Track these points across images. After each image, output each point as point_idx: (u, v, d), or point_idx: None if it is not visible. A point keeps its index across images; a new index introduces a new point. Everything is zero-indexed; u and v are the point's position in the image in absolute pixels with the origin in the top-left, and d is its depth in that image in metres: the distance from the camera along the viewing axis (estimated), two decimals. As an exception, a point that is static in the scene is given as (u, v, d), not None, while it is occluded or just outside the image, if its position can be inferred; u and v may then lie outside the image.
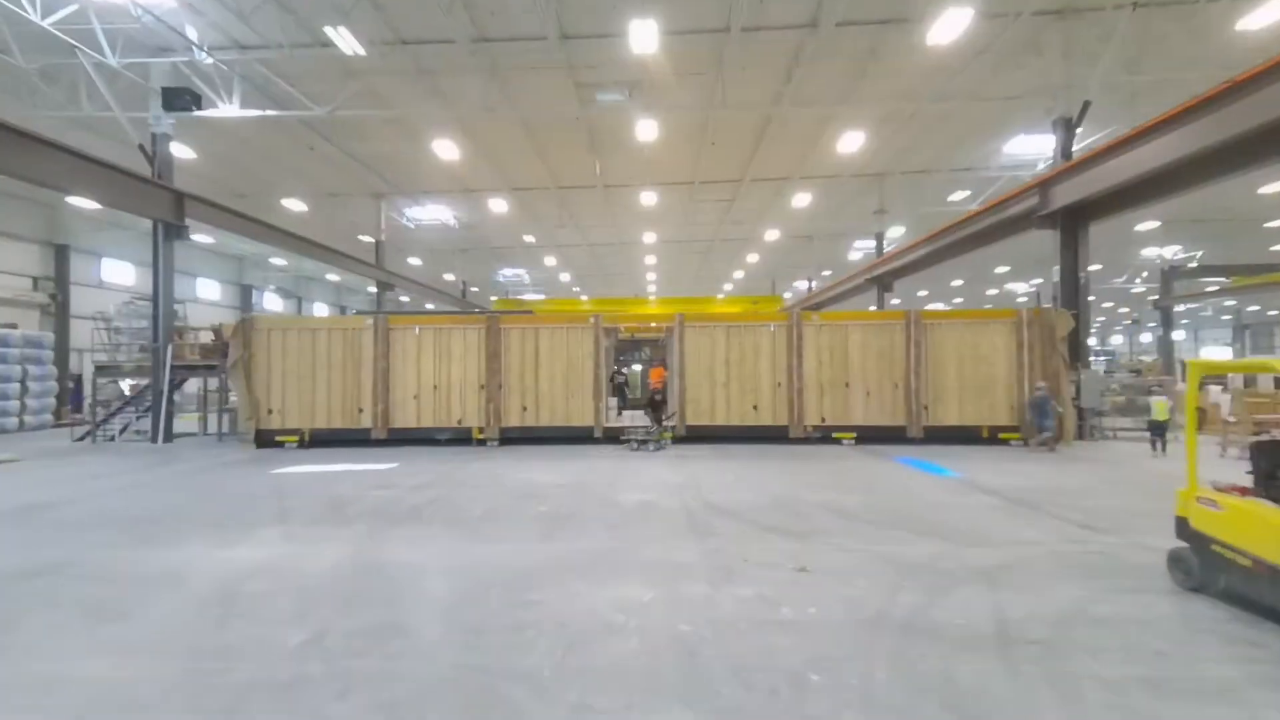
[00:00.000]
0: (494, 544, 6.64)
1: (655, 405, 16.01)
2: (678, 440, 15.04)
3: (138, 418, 17.00)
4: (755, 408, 15.10)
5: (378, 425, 14.96)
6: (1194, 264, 37.79)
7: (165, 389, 15.90)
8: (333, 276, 43.09)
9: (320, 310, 45.75)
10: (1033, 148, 23.71)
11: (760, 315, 14.80)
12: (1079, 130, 16.27)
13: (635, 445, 14.13)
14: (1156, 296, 36.19)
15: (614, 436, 14.97)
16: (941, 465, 11.56)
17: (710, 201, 29.08)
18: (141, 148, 16.05)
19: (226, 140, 20.91)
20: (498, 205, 28.09)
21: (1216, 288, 37.07)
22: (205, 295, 36.33)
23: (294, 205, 27.06)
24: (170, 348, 16.03)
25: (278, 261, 38.64)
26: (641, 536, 6.80)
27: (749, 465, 11.74)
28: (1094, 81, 15.30)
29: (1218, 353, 67.78)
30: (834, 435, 14.84)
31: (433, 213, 30.52)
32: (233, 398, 17.27)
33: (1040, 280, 47.45)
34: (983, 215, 18.66)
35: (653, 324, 16.30)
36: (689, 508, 8.14)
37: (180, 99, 15.65)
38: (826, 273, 41.71)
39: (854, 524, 7.32)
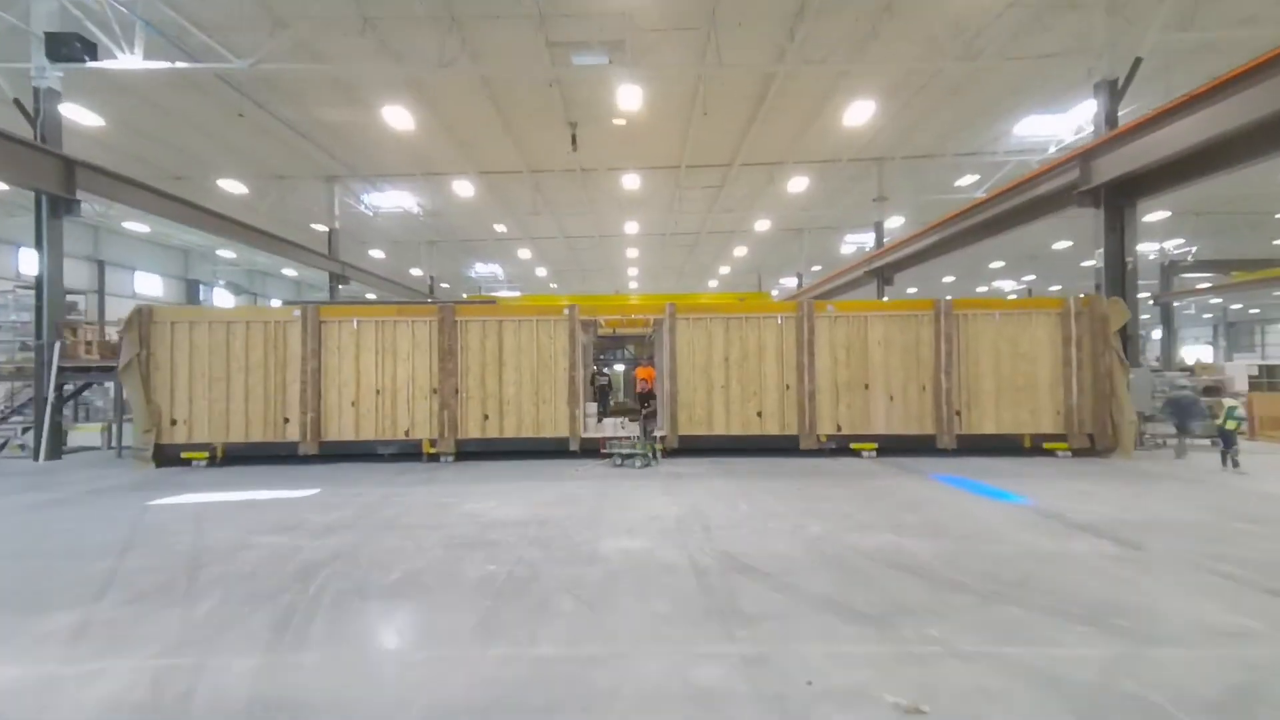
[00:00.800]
0: (393, 654, 4.21)
1: (644, 411, 13.69)
2: (669, 453, 12.68)
3: (23, 429, 14.23)
4: (760, 414, 12.79)
5: (307, 438, 12.39)
6: (1190, 258, 36.46)
7: (50, 395, 13.16)
8: (290, 271, 40.11)
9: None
10: (1045, 129, 21.86)
11: (766, 305, 12.61)
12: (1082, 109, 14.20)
13: (619, 460, 11.74)
14: (1148, 294, 34.71)
15: (594, 449, 12.58)
16: (995, 486, 9.35)
17: (698, 188, 26.83)
18: (19, 103, 13.31)
19: (139, 105, 18.14)
20: (464, 189, 25.55)
21: (1208, 284, 35.70)
22: (145, 290, 33.23)
23: (232, 187, 24.24)
24: (58, 345, 13.30)
25: (226, 254, 35.65)
26: (635, 627, 4.42)
27: (761, 488, 9.41)
28: (1148, 36, 13.26)
29: (1198, 351, 67.19)
30: (852, 446, 12.59)
31: (394, 199, 27.88)
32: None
33: (1033, 276, 46.00)
34: (1009, 195, 16.57)
35: (638, 316, 13.88)
36: (699, 564, 5.78)
37: (68, 47, 12.98)
38: (816, 268, 39.71)
39: (944, 593, 5.01)
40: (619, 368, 18.23)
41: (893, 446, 12.60)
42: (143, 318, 12.23)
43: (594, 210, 29.26)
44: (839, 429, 12.69)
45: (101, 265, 30.44)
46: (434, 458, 12.58)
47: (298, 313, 12.54)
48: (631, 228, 32.12)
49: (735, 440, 12.77)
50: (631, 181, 24.61)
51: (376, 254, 36.50)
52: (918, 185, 26.22)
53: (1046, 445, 12.43)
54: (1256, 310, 64.01)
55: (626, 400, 15.60)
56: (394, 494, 9.31)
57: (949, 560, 5.80)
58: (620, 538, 6.73)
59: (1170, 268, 34.82)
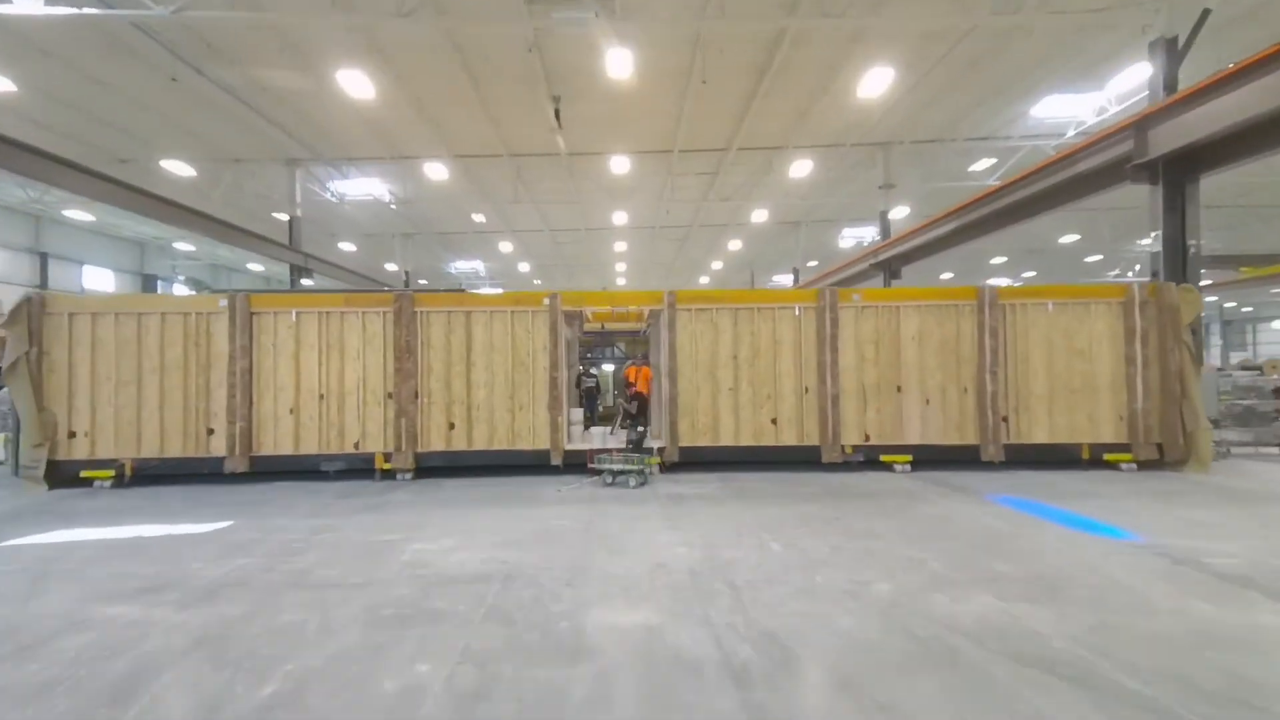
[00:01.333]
0: None
1: (637, 416, 11.81)
2: (669, 467, 10.78)
3: (-95, 442, 12.05)
4: (774, 422, 10.91)
5: (235, 452, 10.34)
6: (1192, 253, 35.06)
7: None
8: (256, 266, 37.76)
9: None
10: (1065, 111, 20.25)
11: (781, 294, 10.74)
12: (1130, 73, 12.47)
13: (610, 478, 9.80)
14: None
15: (580, 464, 10.64)
16: (1078, 512, 7.53)
17: (691, 175, 24.98)
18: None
19: (65, 72, 15.97)
20: (438, 173, 23.50)
21: (1209, 281, 34.36)
22: (95, 286, 30.82)
23: (179, 169, 22.02)
24: (-61, 343, 11.13)
25: (184, 247, 33.31)
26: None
27: (789, 517, 7.52)
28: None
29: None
30: (882, 459, 10.75)
31: (363, 187, 25.75)
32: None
33: (1034, 273, 44.60)
34: (1046, 173, 14.82)
35: (632, 307, 11.93)
36: (735, 658, 3.87)
37: (-50, -15, 10.83)
38: (813, 263, 37.99)
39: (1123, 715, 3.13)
40: (608, 367, 16.29)
41: (929, 458, 10.78)
42: (33, 308, 10.12)
43: (580, 199, 27.32)
44: (867, 438, 10.84)
45: (44, 258, 28.02)
46: (389, 475, 10.59)
47: (224, 302, 10.48)
48: (620, 218, 30.21)
49: (746, 452, 10.88)
50: (620, 166, 22.69)
51: (347, 247, 34.31)
52: (925, 172, 24.54)
53: (1108, 457, 10.65)
54: (1249, 309, 63.26)
55: (620, 400, 13.62)
56: (325, 528, 7.31)
57: (1098, 648, 3.92)
58: (615, 605, 4.79)
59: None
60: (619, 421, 12.39)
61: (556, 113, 17.81)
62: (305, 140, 21.20)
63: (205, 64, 15.52)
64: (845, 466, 10.75)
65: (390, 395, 10.65)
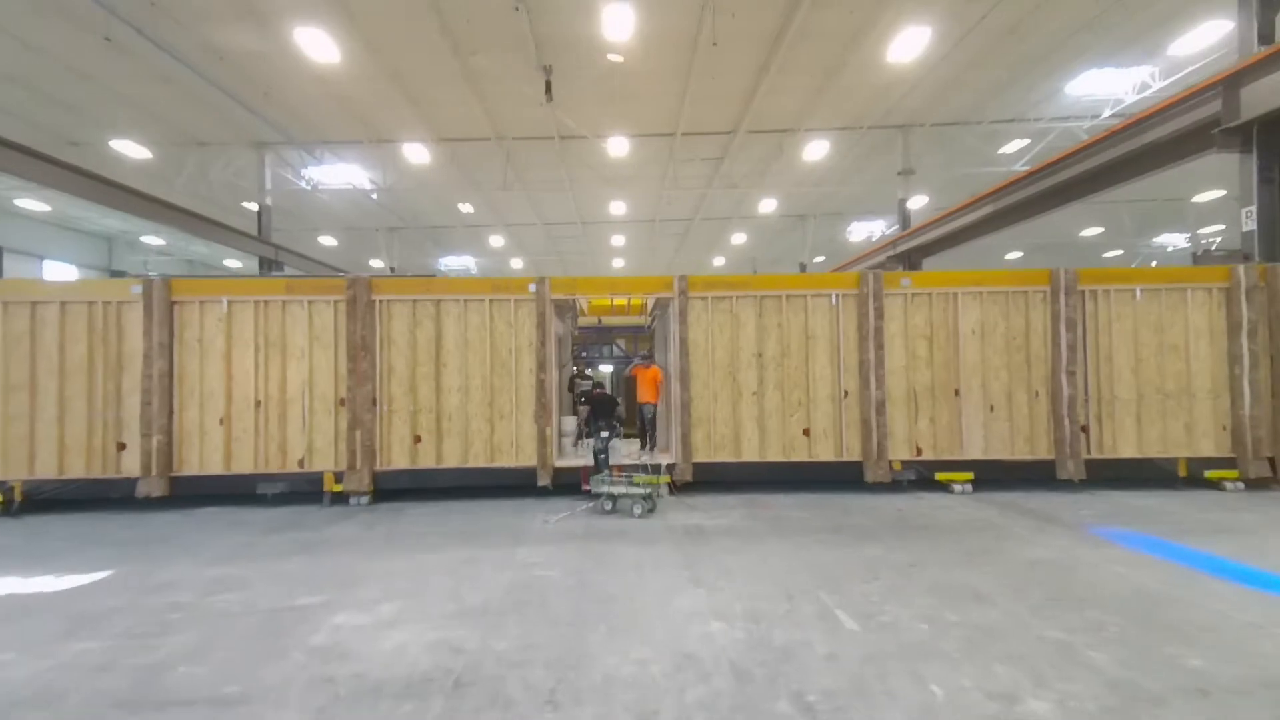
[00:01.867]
0: None
1: (644, 427, 10.00)
2: (681, 487, 8.93)
3: None
4: (807, 433, 9.05)
5: (152, 472, 8.45)
6: (1215, 248, 33.47)
7: None
8: (234, 262, 35.71)
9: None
10: (1104, 88, 18.45)
11: (815, 278, 8.90)
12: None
13: (609, 504, 7.93)
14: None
15: (573, 484, 8.80)
16: (1218, 554, 5.70)
17: (695, 161, 23.12)
18: None
19: (-11, 34, 14.06)
20: (421, 158, 21.64)
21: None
22: (55, 283, 28.68)
23: (132, 150, 20.08)
24: None
25: (153, 241, 31.34)
26: None
27: (852, 565, 5.65)
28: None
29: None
30: (937, 477, 8.92)
31: (341, 175, 23.82)
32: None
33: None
34: (1109, 142, 13.01)
35: (635, 295, 10.05)
36: None
37: None
38: (820, 259, 36.19)
39: None
40: (605, 368, 14.41)
41: (993, 476, 8.95)
42: (-103, 296, 8.23)
43: (575, 187, 25.47)
44: (918, 452, 9.00)
45: (-2, 252, 26.00)
46: (341, 499, 8.71)
47: (138, 288, 8.59)
48: (618, 209, 28.39)
49: (773, 470, 9.03)
50: (619, 148, 20.85)
51: (328, 241, 32.41)
52: (947, 157, 22.73)
53: (1209, 474, 8.83)
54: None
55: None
56: (227, 583, 5.42)
57: None
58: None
59: (1203, 257, 31.71)
60: (587, 431, 10.23)
61: (548, 85, 15.94)
62: (272, 120, 19.26)
63: (147, 25, 13.62)
64: (893, 487, 8.91)
65: (342, 402, 8.78)
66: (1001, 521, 7.21)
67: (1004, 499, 8.35)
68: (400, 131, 20.48)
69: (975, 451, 8.96)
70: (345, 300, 8.77)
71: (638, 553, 6.17)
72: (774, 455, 9.05)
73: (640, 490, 7.76)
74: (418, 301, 8.96)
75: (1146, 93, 17.49)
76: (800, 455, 9.04)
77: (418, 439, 8.89)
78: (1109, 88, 18.33)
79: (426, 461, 8.88)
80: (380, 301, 8.90)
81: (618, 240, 34.87)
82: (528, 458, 8.92)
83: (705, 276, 9.31)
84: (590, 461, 8.90)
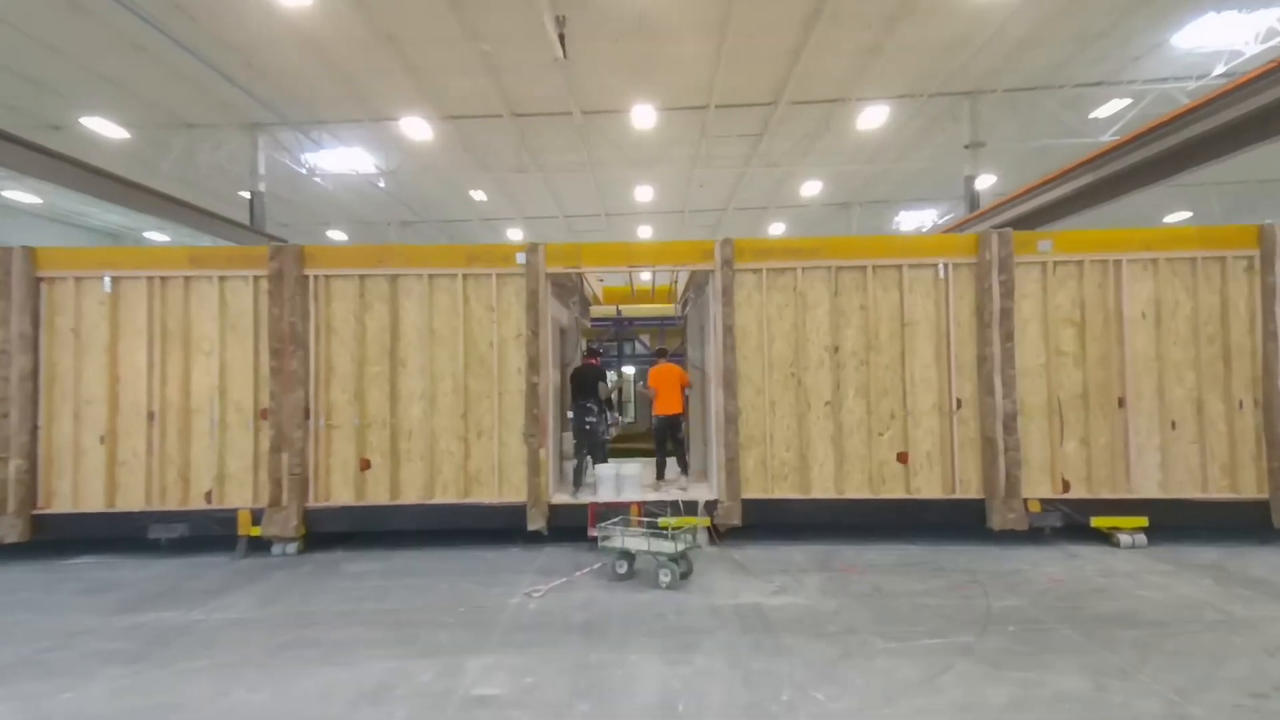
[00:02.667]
0: None
1: (674, 443, 7.56)
2: (726, 533, 6.41)
3: None
4: (903, 458, 6.45)
5: (9, 509, 6.20)
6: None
7: None
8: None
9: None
10: (1217, 39, 15.44)
11: (910, 243, 6.36)
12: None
13: (624, 565, 5.44)
14: None
15: (575, 528, 6.33)
16: None
17: (732, 137, 20.51)
18: None
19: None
20: (426, 137, 19.48)
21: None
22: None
23: (106, 129, 18.24)
24: None
25: (158, 237, 29.78)
26: None
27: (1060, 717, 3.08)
28: None
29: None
30: (1094, 523, 6.24)
31: (344, 161, 21.79)
32: None
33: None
34: (1222, 102, 10.09)
35: (663, 268, 7.43)
36: None
37: None
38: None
39: None
40: (627, 371, 11.85)
41: (1174, 520, 6.22)
42: None
43: (598, 170, 23.08)
44: (1065, 488, 6.33)
45: (-9, 249, 24.57)
46: (263, 545, 6.37)
47: (-11, 261, 6.37)
48: (644, 195, 25.97)
49: (855, 509, 6.44)
50: (644, 120, 18.37)
51: (338, 235, 30.54)
52: (1021, 127, 19.78)
53: None
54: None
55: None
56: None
57: None
58: None
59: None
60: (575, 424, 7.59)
61: (561, 37, 13.56)
62: (261, 97, 17.16)
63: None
64: (1031, 537, 6.25)
65: (264, 414, 6.44)
66: (1236, 607, 4.54)
67: (1205, 559, 5.66)
68: (401, 108, 18.30)
69: (1149, 487, 6.26)
70: (268, 276, 6.44)
71: (667, 673, 3.66)
72: (856, 489, 6.46)
73: (669, 547, 5.24)
74: (366, 277, 6.60)
75: (1272, 43, 14.49)
76: (894, 490, 6.44)
77: (366, 464, 6.52)
78: (1225, 37, 15.32)
79: (377, 495, 6.51)
80: (316, 278, 6.56)
81: (645, 233, 32.43)
82: (514, 491, 6.48)
83: (758, 240, 6.75)
84: (600, 496, 6.43)
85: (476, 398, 6.59)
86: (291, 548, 6.37)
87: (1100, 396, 6.35)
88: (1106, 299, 6.40)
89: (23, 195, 23.50)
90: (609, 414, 8.20)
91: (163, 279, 6.52)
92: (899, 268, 6.53)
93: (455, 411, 6.55)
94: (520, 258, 6.52)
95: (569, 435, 7.40)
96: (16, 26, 13.88)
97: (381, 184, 24.32)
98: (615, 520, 5.78)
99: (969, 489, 6.40)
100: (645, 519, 6.16)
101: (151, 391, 6.46)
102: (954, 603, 4.74)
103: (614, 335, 12.34)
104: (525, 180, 22.66)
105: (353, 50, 14.98)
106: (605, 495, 6.64)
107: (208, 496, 6.47)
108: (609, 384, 8.22)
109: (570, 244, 6.92)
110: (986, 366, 6.34)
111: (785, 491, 6.52)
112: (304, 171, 21.31)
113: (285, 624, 4.60)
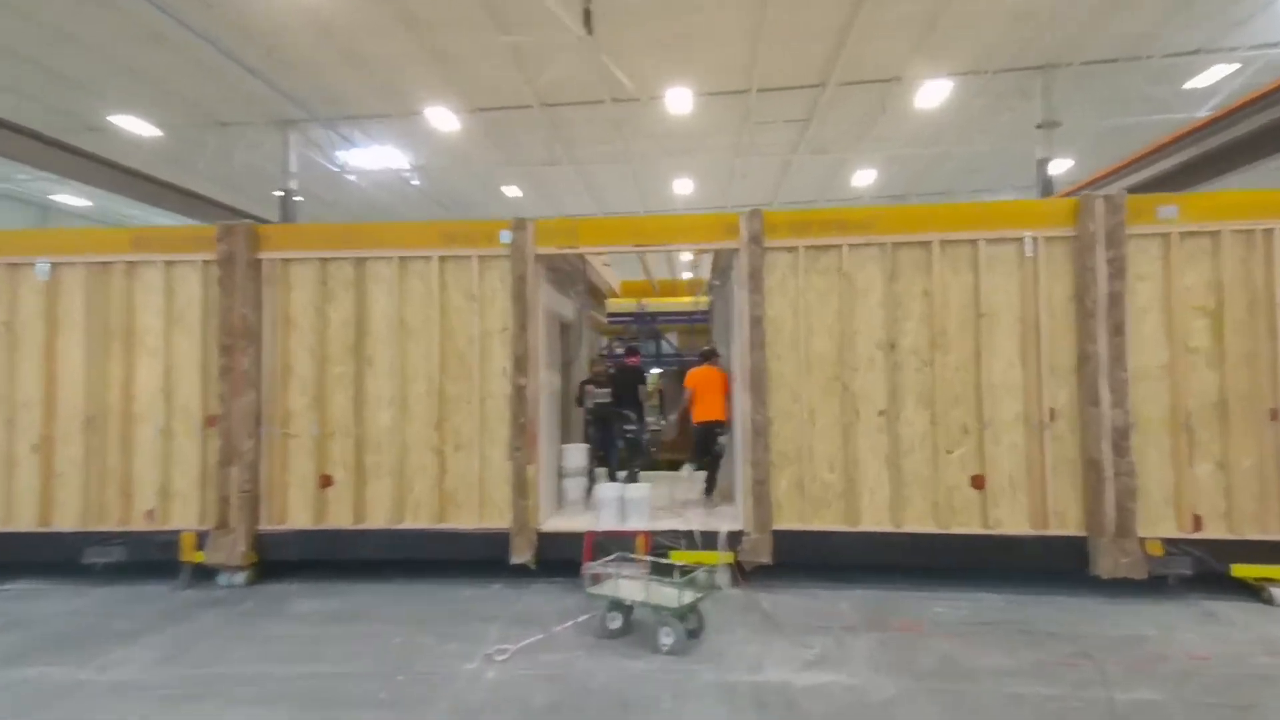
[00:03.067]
0: None
1: (710, 457, 6.41)
2: (752, 572, 5.18)
3: None
4: (979, 483, 5.10)
5: (-70, 527, 5.46)
6: None
7: None
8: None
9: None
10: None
11: (995, 210, 5.04)
12: None
13: (618, 619, 4.28)
14: None
15: (568, 560, 5.20)
16: None
17: (777, 123, 19.12)
18: None
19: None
20: (452, 126, 18.75)
21: None
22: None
23: (136, 126, 18.08)
24: None
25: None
26: None
27: None
28: None
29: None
30: (1233, 571, 4.77)
31: (376, 158, 21.31)
32: None
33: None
34: None
35: (683, 250, 6.17)
36: None
37: None
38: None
39: None
40: (653, 373, 10.64)
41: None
42: None
43: (634, 163, 22.02)
44: (1196, 525, 4.87)
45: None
46: (206, 574, 5.47)
47: (-88, 246, 5.65)
48: (683, 188, 24.80)
49: (915, 546, 5.12)
50: (680, 104, 17.20)
51: (376, 238, 30.29)
52: (1101, 105, 17.82)
53: None
54: None
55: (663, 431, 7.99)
56: None
57: None
58: None
59: None
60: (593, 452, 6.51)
61: (587, 14, 12.53)
62: (287, 90, 16.69)
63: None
64: (1150, 587, 4.83)
65: (212, 421, 5.54)
66: None
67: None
68: (428, 100, 17.61)
69: (1313, 525, 4.77)
70: (217, 260, 5.54)
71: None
72: (917, 521, 5.15)
73: (672, 599, 4.06)
74: (329, 261, 5.63)
75: None
76: (966, 522, 5.10)
77: (327, 480, 5.55)
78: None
79: (339, 518, 5.53)
80: (271, 261, 5.63)
81: (687, 230, 31.19)
82: (497, 514, 5.41)
83: (794, 212, 5.53)
84: (600, 524, 5.31)
85: (454, 403, 5.54)
86: (239, 578, 5.44)
87: (1244, 406, 4.87)
88: (1253, 279, 4.92)
89: (75, 200, 23.89)
90: (656, 419, 7.15)
91: (104, 264, 5.69)
92: (973, 243, 5.18)
93: (429, 419, 5.52)
94: (504, 236, 5.45)
95: (574, 449, 6.25)
96: (42, 21, 13.60)
97: (415, 182, 23.81)
98: (612, 558, 4.64)
99: (1065, 524, 5.01)
100: (654, 552, 5.01)
101: (91, 393, 5.63)
102: (1059, 691, 3.43)
103: (636, 333, 11.14)
104: (559, 174, 21.76)
105: (373, 36, 14.24)
106: (607, 522, 5.50)
107: (149, 515, 5.60)
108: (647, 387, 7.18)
109: (564, 219, 5.81)
110: (1089, 368, 4.94)
111: (827, 522, 5.25)
112: (337, 169, 20.91)
113: (175, 691, 3.62)
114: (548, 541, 5.39)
